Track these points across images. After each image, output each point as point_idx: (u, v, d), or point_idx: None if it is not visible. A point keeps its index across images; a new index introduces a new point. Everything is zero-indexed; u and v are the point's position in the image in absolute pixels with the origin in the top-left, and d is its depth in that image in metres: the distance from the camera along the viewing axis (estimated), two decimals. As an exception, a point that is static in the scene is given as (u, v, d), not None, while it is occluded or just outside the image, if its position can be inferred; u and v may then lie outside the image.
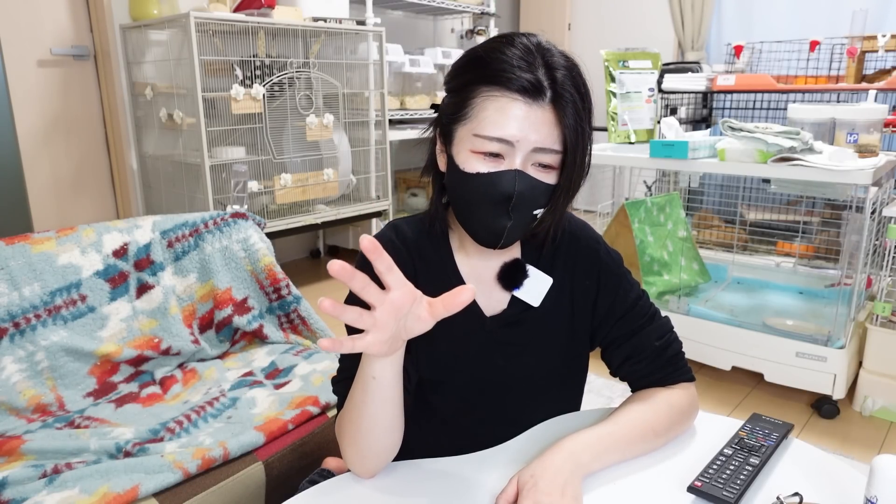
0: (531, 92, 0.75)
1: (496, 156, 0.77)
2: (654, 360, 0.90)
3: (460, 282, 0.89)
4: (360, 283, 0.64)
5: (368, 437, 0.79)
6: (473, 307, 0.89)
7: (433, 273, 0.89)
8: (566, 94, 0.75)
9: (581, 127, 0.77)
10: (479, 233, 0.82)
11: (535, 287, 0.89)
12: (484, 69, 0.77)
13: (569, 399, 0.98)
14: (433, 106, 0.87)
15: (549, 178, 0.79)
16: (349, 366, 0.87)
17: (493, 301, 0.90)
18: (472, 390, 0.91)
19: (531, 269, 0.89)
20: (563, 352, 0.92)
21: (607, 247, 0.94)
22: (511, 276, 0.88)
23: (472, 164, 0.78)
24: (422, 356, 0.88)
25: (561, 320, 0.91)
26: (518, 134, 0.75)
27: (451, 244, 0.90)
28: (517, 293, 0.89)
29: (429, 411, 0.92)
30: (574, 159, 0.77)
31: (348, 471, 0.84)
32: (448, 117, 0.81)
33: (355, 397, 0.78)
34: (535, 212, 0.80)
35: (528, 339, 0.90)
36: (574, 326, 0.92)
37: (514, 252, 0.91)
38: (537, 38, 0.80)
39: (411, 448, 0.86)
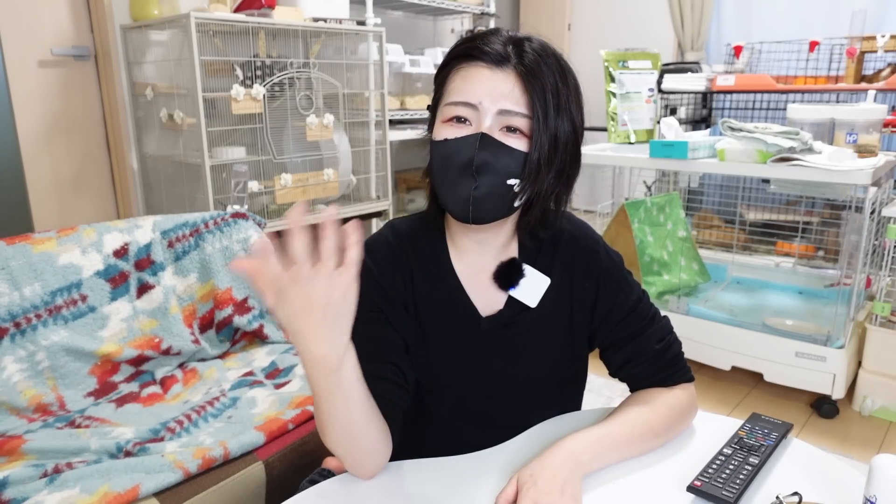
0: (496, 59, 0.77)
1: (463, 121, 0.78)
2: (654, 363, 0.90)
3: (456, 281, 0.88)
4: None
5: (361, 436, 0.76)
6: (469, 307, 0.88)
7: (428, 272, 0.89)
8: (532, 63, 0.77)
9: (550, 94, 0.77)
10: (451, 204, 0.80)
11: (533, 287, 0.88)
12: (459, 46, 0.81)
13: (569, 401, 0.98)
14: (428, 106, 0.87)
15: (519, 143, 0.78)
16: None
17: (489, 301, 0.89)
18: (468, 392, 0.90)
19: (528, 268, 0.88)
20: (561, 354, 0.92)
21: (607, 247, 0.93)
22: (507, 276, 0.87)
23: (442, 132, 0.80)
24: (417, 357, 0.88)
25: (559, 322, 0.90)
26: (480, 95, 0.77)
27: (448, 243, 0.90)
28: (513, 293, 0.88)
29: (426, 414, 0.92)
30: (543, 124, 0.76)
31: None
32: (432, 106, 0.84)
33: (339, 416, 0.73)
34: (508, 181, 0.78)
35: (525, 340, 0.89)
36: (573, 328, 0.91)
37: (511, 251, 0.90)
38: (524, 32, 0.82)
39: (410, 450, 0.86)
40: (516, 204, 0.81)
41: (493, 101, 0.76)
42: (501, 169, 0.77)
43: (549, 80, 0.77)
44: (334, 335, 0.65)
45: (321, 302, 0.61)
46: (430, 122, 0.85)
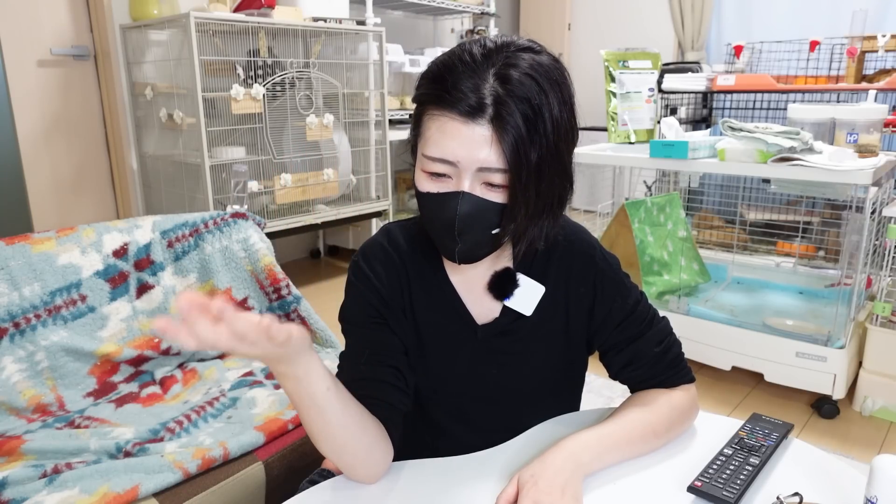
0: (469, 112, 0.71)
1: (442, 175, 0.75)
2: (654, 366, 0.90)
3: (451, 289, 0.88)
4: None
5: (347, 449, 0.76)
6: (465, 316, 0.88)
7: (424, 280, 0.88)
8: (507, 113, 0.70)
9: (530, 140, 0.71)
10: (440, 249, 0.81)
11: (527, 296, 0.88)
12: (431, 86, 0.75)
13: (567, 404, 0.98)
14: (410, 115, 0.85)
15: (499, 196, 0.75)
16: (346, 370, 0.87)
17: (485, 310, 0.89)
18: (466, 399, 0.90)
19: (522, 277, 0.88)
20: (558, 360, 0.92)
21: (603, 251, 0.92)
22: (501, 286, 0.87)
23: (423, 183, 0.77)
24: (415, 363, 0.88)
25: (555, 328, 0.90)
26: (458, 154, 0.72)
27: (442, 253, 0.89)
28: (508, 302, 0.87)
29: (425, 420, 0.92)
30: (519, 177, 0.72)
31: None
32: (411, 132, 0.81)
33: (315, 428, 0.74)
34: (491, 231, 0.77)
35: (521, 347, 0.89)
36: (569, 334, 0.91)
37: (506, 260, 0.89)
38: (503, 39, 0.75)
39: (409, 455, 0.86)
40: (503, 242, 0.81)
41: (470, 159, 0.72)
42: (484, 223, 0.76)
43: (529, 122, 0.71)
44: (274, 357, 0.67)
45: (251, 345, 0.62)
46: (413, 145, 0.81)
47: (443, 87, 0.73)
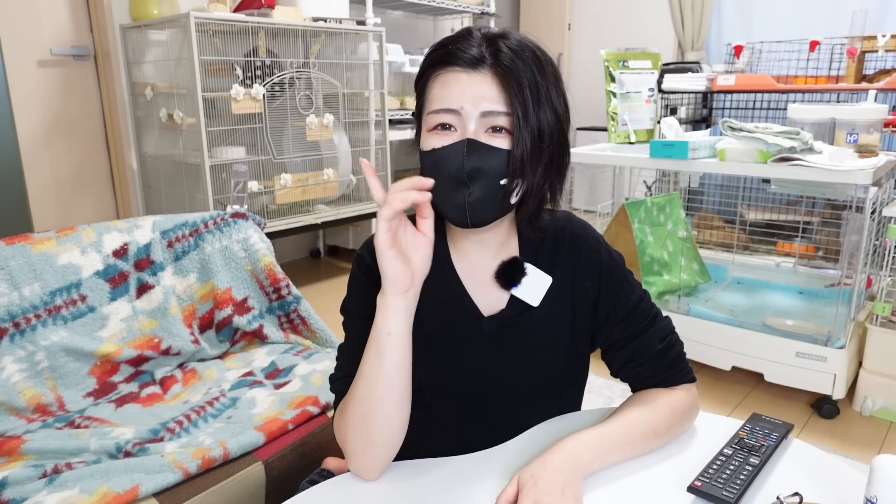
0: (471, 62, 0.77)
1: (448, 127, 0.79)
2: (655, 363, 0.90)
3: (457, 281, 0.88)
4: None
5: (380, 411, 0.79)
6: (470, 307, 0.88)
7: (430, 273, 0.88)
8: (507, 61, 0.77)
9: (528, 89, 0.77)
10: (448, 211, 0.81)
11: (535, 286, 0.88)
12: (434, 53, 0.81)
13: (569, 400, 0.98)
14: (413, 113, 0.88)
15: (506, 143, 0.78)
16: (348, 363, 0.87)
17: (491, 301, 0.89)
18: (470, 392, 0.90)
19: (530, 267, 0.88)
20: (563, 353, 0.92)
21: (609, 247, 0.93)
22: (509, 274, 0.87)
23: (429, 141, 0.80)
24: (419, 357, 0.88)
25: (561, 321, 0.90)
26: (460, 99, 0.77)
27: (448, 244, 0.90)
28: (515, 292, 0.88)
29: (428, 414, 0.92)
30: (524, 119, 0.77)
31: (349, 471, 0.84)
32: (416, 115, 0.85)
33: (366, 368, 0.79)
34: (500, 182, 0.79)
35: (527, 340, 0.89)
36: (575, 328, 0.91)
37: (512, 250, 0.90)
38: (498, 29, 0.82)
39: (411, 450, 0.86)
40: (512, 201, 0.82)
41: (474, 104, 0.77)
42: (492, 171, 0.78)
43: (525, 75, 0.77)
44: (400, 266, 0.77)
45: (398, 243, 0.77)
46: (417, 131, 0.85)
47: (446, 50, 0.80)
